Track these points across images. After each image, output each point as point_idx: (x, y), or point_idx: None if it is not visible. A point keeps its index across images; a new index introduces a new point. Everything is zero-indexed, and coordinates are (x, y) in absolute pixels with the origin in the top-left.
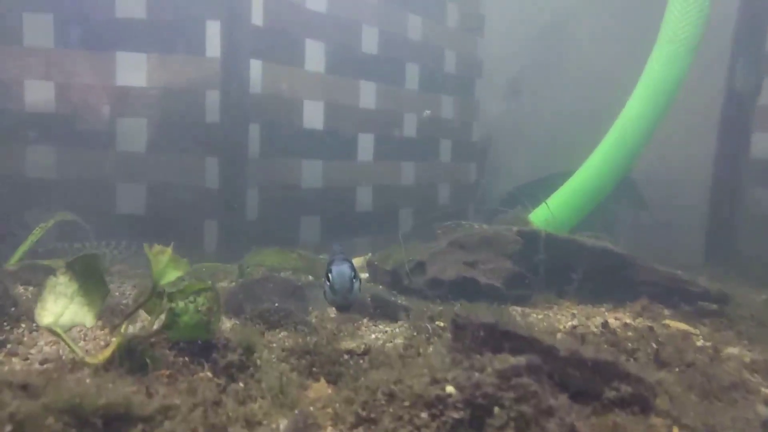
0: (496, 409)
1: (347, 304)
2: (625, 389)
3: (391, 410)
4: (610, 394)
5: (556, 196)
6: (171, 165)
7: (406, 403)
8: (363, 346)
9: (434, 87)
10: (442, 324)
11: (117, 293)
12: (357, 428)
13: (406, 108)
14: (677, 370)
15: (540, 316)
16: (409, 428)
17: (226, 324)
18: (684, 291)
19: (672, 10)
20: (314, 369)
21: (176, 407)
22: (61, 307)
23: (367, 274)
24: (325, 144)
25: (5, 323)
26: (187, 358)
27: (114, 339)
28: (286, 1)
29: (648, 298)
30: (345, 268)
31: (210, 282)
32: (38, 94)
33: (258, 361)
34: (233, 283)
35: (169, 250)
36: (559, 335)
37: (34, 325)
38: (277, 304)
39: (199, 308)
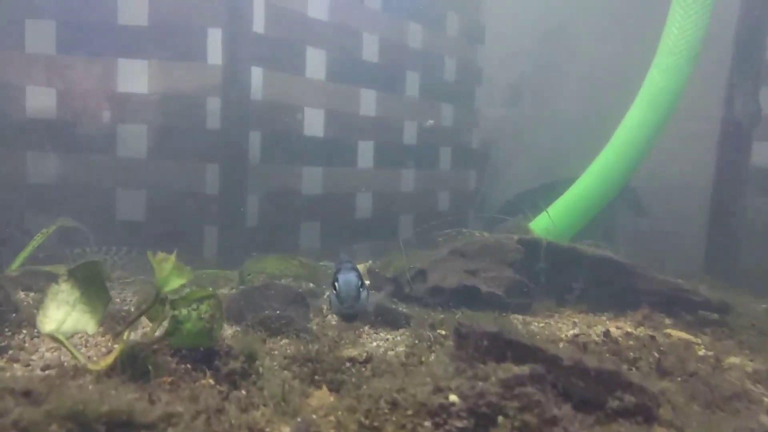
0: (500, 419)
1: (354, 313)
2: (629, 399)
3: (394, 419)
4: (613, 403)
5: (556, 204)
6: (171, 171)
7: (410, 412)
8: (365, 354)
9: (434, 95)
10: (443, 332)
11: (118, 300)
12: None
13: (406, 115)
14: (679, 379)
15: (541, 325)
16: None
17: (228, 331)
18: (685, 300)
19: (672, 21)
20: (316, 377)
21: (179, 414)
22: (63, 314)
23: (368, 282)
24: (326, 151)
25: (7, 329)
26: (189, 366)
27: (116, 346)
28: (288, 9)
29: (649, 307)
30: (352, 276)
31: (212, 289)
32: (40, 100)
33: (260, 369)
34: (234, 290)
35: (173, 257)
36: (561, 344)
37: (36, 331)
38: (278, 312)
39: (202, 316)
